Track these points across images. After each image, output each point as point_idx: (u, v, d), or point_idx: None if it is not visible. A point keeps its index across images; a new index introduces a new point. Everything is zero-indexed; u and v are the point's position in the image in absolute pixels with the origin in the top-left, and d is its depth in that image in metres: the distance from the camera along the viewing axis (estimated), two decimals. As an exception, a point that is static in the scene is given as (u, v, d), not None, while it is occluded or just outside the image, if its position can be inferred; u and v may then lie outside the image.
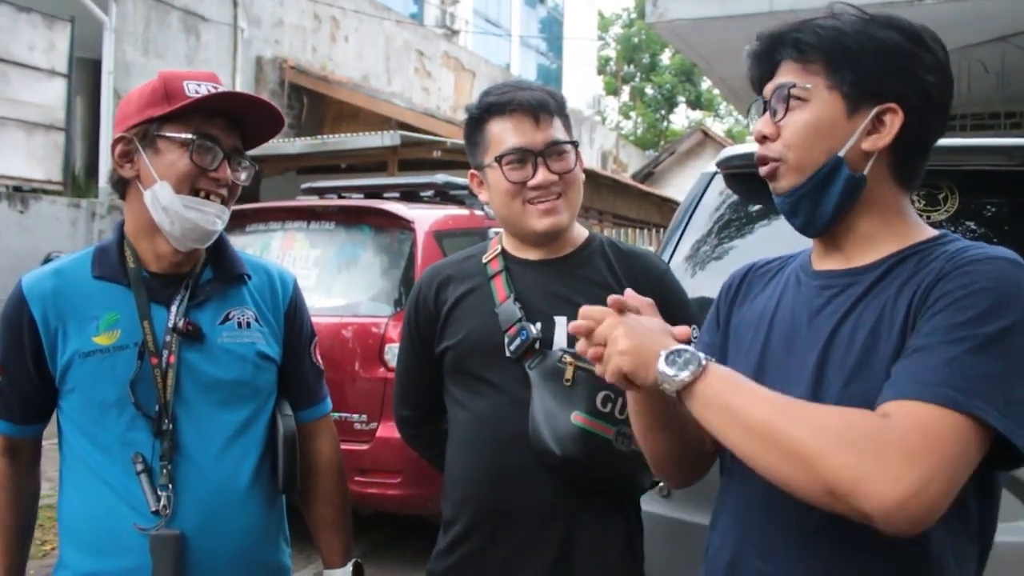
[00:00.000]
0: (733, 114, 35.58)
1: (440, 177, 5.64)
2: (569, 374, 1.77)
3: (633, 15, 35.43)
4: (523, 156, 1.85)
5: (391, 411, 4.39)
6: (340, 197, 5.53)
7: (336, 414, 4.55)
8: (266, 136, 1.78)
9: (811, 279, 1.41)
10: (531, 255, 1.93)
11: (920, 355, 1.19)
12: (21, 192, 9.56)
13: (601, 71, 33.95)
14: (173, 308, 1.70)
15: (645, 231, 14.97)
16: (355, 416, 4.46)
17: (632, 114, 35.35)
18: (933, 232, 1.36)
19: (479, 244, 2.04)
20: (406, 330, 2.04)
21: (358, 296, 4.73)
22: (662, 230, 15.41)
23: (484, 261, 1.96)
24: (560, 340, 1.83)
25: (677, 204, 17.79)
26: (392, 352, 4.45)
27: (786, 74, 1.38)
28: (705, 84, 33.58)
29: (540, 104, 1.86)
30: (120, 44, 10.76)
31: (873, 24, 1.35)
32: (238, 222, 5.12)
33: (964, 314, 1.18)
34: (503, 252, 1.96)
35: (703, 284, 2.62)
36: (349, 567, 1.89)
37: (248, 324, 1.77)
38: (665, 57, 34.28)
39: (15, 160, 9.63)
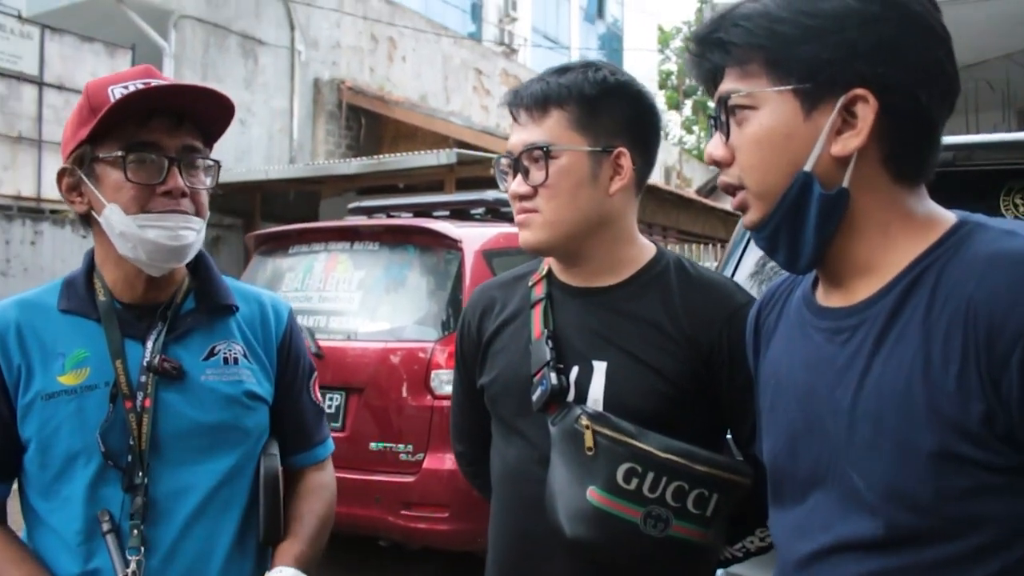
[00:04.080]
0: (800, 126, 34.81)
1: (490, 194, 5.39)
2: (589, 441, 1.43)
3: (694, 28, 35.02)
4: (508, 161, 1.58)
5: (438, 441, 4.24)
6: (389, 216, 5.34)
7: (381, 444, 4.38)
8: (221, 126, 1.54)
9: (816, 319, 1.13)
10: (575, 280, 1.61)
11: None
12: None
13: (662, 85, 33.55)
14: (149, 343, 1.48)
15: (710, 246, 14.57)
16: (400, 446, 4.23)
17: (695, 128, 34.83)
18: (944, 225, 1.05)
19: (535, 261, 1.73)
20: (456, 358, 1.80)
21: (403, 320, 4.51)
22: (725, 245, 15.00)
23: (530, 284, 1.66)
24: (597, 391, 1.52)
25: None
26: (439, 379, 4.22)
27: (727, 81, 1.11)
28: (770, 96, 32.96)
29: (531, 99, 1.55)
30: (179, 69, 10.85)
31: None
32: (280, 243, 4.97)
33: None
34: (549, 275, 1.64)
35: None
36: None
37: (236, 360, 1.55)
38: (728, 69, 33.76)
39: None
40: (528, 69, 18.00)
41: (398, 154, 10.81)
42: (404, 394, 4.26)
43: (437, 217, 5.22)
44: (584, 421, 1.44)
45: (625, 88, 1.57)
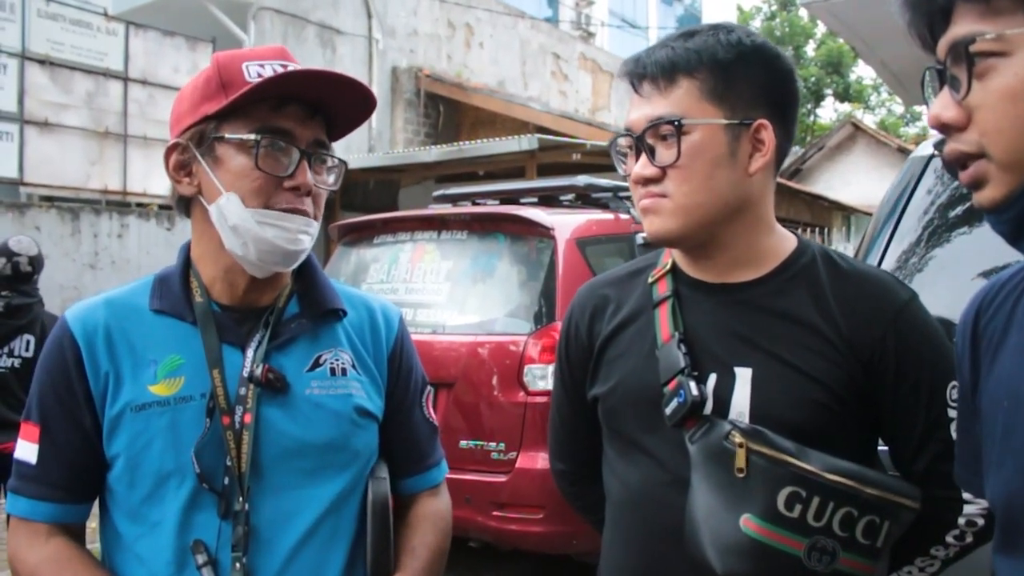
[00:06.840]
0: (886, 105, 33.68)
1: (581, 179, 5.17)
2: (741, 461, 1.24)
3: (774, 7, 34.07)
4: (628, 140, 1.37)
5: (532, 439, 4.05)
6: (474, 204, 5.17)
7: (472, 443, 4.21)
8: (355, 122, 1.38)
9: None
10: (708, 275, 1.41)
11: None
12: (168, 209, 9.74)
13: (742, 66, 32.73)
14: (250, 352, 1.32)
15: (798, 231, 14.09)
16: (492, 444, 4.06)
17: (776, 109, 33.97)
18: None
19: (652, 254, 1.54)
20: (557, 365, 1.61)
21: (494, 312, 4.33)
22: (813, 230, 14.47)
23: (651, 281, 1.46)
24: (741, 401, 1.32)
25: (828, 201, 16.74)
26: (533, 374, 4.03)
27: (962, 23, 0.88)
28: (854, 75, 31.89)
29: (656, 67, 1.34)
30: (259, 61, 10.88)
31: None
32: (365, 233, 4.84)
33: None
34: (674, 269, 1.45)
35: (926, 300, 1.96)
36: None
37: (344, 371, 1.38)
38: (809, 49, 32.76)
39: (164, 179, 9.82)
40: (607, 53, 17.65)
41: (478, 140, 10.66)
42: (496, 390, 4.10)
43: (524, 204, 5.04)
44: (737, 438, 1.25)
45: (763, 51, 1.35)
